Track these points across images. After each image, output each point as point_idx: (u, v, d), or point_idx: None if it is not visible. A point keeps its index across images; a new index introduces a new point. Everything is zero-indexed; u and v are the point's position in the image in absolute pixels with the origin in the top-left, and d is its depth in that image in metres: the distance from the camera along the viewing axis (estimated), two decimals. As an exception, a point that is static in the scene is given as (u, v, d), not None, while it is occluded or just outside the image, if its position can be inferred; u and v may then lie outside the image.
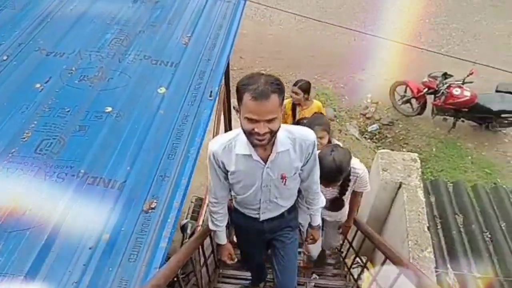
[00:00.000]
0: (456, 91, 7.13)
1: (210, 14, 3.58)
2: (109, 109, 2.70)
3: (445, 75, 7.28)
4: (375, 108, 8.22)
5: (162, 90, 2.86)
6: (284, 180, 2.39)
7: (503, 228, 3.79)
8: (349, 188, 3.29)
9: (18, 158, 2.38)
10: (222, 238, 2.78)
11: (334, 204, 3.42)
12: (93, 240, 2.05)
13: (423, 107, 7.71)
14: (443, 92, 7.22)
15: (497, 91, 7.32)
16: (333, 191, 3.33)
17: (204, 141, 2.63)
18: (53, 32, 3.28)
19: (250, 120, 1.99)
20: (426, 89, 7.42)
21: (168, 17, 3.52)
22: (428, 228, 3.25)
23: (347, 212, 3.59)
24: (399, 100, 7.94)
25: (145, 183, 2.31)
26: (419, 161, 3.57)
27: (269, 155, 2.27)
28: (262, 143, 2.07)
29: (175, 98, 2.82)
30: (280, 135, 2.21)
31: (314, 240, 3.03)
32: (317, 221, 2.90)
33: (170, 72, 3.00)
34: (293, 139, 2.29)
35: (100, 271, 1.93)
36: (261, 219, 2.67)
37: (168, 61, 3.09)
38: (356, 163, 3.20)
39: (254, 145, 2.17)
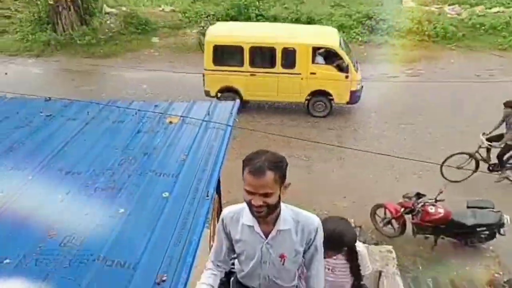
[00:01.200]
0: (430, 209, 7.66)
1: (203, 138, 4.26)
2: (122, 210, 3.18)
3: (418, 195, 7.88)
4: (359, 232, 8.62)
5: (166, 194, 3.38)
6: (283, 260, 2.46)
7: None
8: (361, 268, 3.27)
9: (46, 251, 2.79)
10: None
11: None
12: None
13: (403, 227, 8.14)
14: (419, 211, 7.74)
15: (468, 207, 7.88)
16: (346, 274, 3.28)
17: (204, 233, 3.06)
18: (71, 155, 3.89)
19: (248, 192, 2.16)
20: (403, 209, 7.95)
21: (168, 142, 4.19)
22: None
23: None
24: (380, 222, 8.40)
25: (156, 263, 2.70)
26: (394, 251, 3.96)
27: (271, 231, 2.39)
28: (260, 214, 2.22)
29: (178, 199, 3.32)
30: (285, 214, 2.37)
31: None
32: None
33: (172, 181, 3.55)
34: (297, 220, 2.40)
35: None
36: None
37: (170, 173, 3.66)
38: (358, 243, 3.26)
39: (254, 216, 2.31)
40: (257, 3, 16.02)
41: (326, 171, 10.14)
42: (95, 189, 3.42)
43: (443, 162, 9.16)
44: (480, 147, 9.15)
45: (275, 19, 15.83)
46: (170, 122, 4.53)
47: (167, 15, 17.39)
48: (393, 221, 8.26)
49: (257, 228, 2.39)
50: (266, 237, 2.40)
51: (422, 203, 7.80)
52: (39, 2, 14.99)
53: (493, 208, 7.74)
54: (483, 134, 9.17)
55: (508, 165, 9.32)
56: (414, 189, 8.18)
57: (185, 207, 3.22)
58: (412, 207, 7.87)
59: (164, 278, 2.57)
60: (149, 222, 3.04)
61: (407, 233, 8.26)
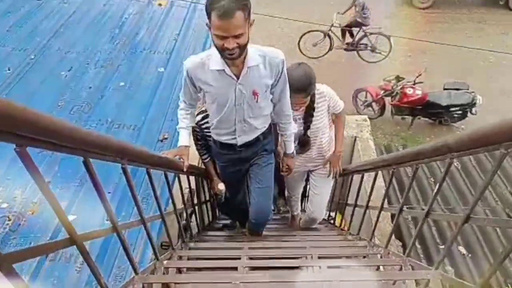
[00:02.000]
0: (409, 91, 8.09)
1: (192, 19, 4.46)
2: (122, 83, 3.50)
3: (398, 78, 8.27)
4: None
5: (161, 69, 3.68)
6: (256, 97, 2.53)
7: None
8: (323, 111, 3.19)
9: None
10: (183, 138, 2.74)
11: (301, 144, 3.31)
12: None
13: (383, 108, 8.64)
14: (397, 93, 8.17)
15: (445, 89, 8.33)
16: (299, 125, 3.19)
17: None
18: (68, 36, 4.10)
19: (219, 36, 2.13)
20: (383, 92, 8.38)
21: (158, 23, 4.39)
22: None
23: (318, 160, 3.46)
24: (361, 105, 8.87)
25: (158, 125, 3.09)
26: (368, 120, 4.41)
27: (241, 71, 2.41)
28: (233, 56, 2.22)
29: (172, 73, 3.64)
30: (251, 52, 2.38)
31: (290, 170, 3.15)
32: (291, 148, 3.03)
33: (166, 58, 3.83)
34: (263, 56, 2.43)
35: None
36: (238, 144, 2.79)
37: (163, 51, 3.93)
38: (317, 84, 3.10)
39: (226, 60, 2.31)
40: None
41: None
42: (95, 65, 3.70)
43: (300, 39, 9.75)
44: (332, 25, 9.66)
45: None
46: (159, 5, 4.68)
47: None
48: (373, 103, 8.72)
49: (228, 71, 2.39)
50: (237, 78, 2.43)
51: (401, 86, 8.21)
52: None
53: (467, 89, 8.20)
54: (338, 13, 9.64)
55: (361, 45, 9.95)
56: (395, 72, 8.56)
57: (179, 79, 3.54)
58: (392, 90, 8.29)
59: (166, 136, 2.97)
60: (149, 92, 3.37)
61: (386, 114, 8.79)
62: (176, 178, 2.70)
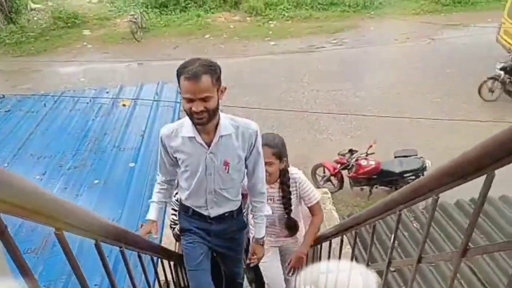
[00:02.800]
0: (363, 162, 8.59)
1: (155, 115, 4.81)
2: (97, 181, 3.70)
3: (351, 151, 8.80)
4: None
5: (132, 164, 3.92)
6: (227, 167, 2.48)
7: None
8: (293, 198, 3.11)
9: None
10: (151, 213, 2.74)
11: (287, 226, 3.21)
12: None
13: (341, 182, 9.05)
14: (353, 165, 8.67)
15: (395, 157, 8.90)
16: (279, 207, 3.13)
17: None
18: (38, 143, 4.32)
19: (187, 99, 2.20)
20: (340, 165, 8.85)
21: (124, 122, 4.70)
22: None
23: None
24: (321, 181, 9.26)
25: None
26: (329, 192, 4.72)
27: (213, 140, 2.40)
28: (202, 121, 2.25)
29: (143, 167, 3.88)
30: (224, 121, 2.39)
31: (257, 258, 2.96)
32: (261, 233, 2.85)
33: (135, 153, 4.10)
34: (236, 126, 2.43)
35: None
36: (211, 215, 2.67)
37: (132, 147, 4.20)
38: (292, 168, 3.11)
39: (196, 125, 2.33)
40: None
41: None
42: (69, 167, 3.91)
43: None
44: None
45: (203, 2, 16.26)
46: (124, 105, 5.02)
47: (95, 7, 17.30)
48: (332, 177, 9.14)
49: (199, 139, 2.39)
50: (209, 146, 2.41)
51: (355, 158, 8.71)
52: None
53: (416, 155, 8.79)
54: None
55: None
56: (347, 147, 9.10)
57: (150, 172, 3.79)
58: (347, 163, 8.77)
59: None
60: (124, 186, 3.59)
61: (345, 187, 9.20)
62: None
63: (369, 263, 2.39)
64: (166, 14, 16.21)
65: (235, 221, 2.79)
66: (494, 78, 10.52)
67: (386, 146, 9.08)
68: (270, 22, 16.01)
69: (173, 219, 3.23)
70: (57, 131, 4.54)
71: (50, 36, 15.27)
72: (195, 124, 2.32)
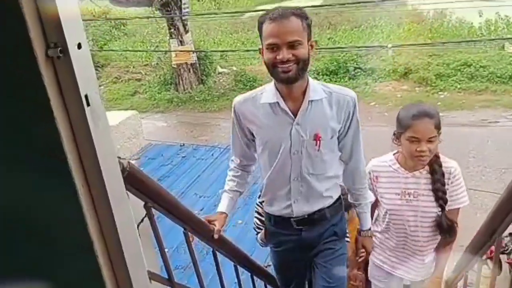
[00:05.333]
0: (524, 248, 7.88)
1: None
2: (240, 221, 4.34)
3: (511, 235, 8.13)
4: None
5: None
6: (318, 143, 2.01)
7: None
8: (447, 191, 2.43)
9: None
10: (221, 204, 2.36)
11: (441, 228, 2.47)
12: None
13: (499, 267, 8.36)
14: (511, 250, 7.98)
15: None
16: (429, 207, 2.43)
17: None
18: (202, 185, 5.20)
19: (270, 46, 1.83)
20: (497, 248, 8.21)
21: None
22: None
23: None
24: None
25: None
26: (485, 277, 4.51)
27: (300, 107, 1.97)
28: (288, 75, 1.85)
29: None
30: (314, 84, 2.00)
31: (367, 253, 2.57)
32: (367, 224, 2.41)
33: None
34: (329, 92, 2.00)
35: None
36: (294, 214, 2.19)
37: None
38: (445, 158, 2.46)
39: (280, 80, 1.93)
40: (355, 57, 17.09)
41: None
42: (221, 207, 4.66)
43: None
44: None
45: (372, 71, 16.78)
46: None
47: (272, 72, 19.10)
48: (488, 260, 8.50)
49: (283, 105, 1.98)
50: (295, 116, 1.99)
51: (514, 242, 8.03)
52: (164, 67, 17.43)
53: None
54: None
55: None
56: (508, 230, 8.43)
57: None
58: (505, 247, 8.11)
59: (270, 264, 3.63)
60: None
61: (504, 272, 8.45)
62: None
63: None
64: (335, 81, 17.13)
65: (331, 224, 2.26)
66: None
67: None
68: (440, 93, 15.74)
69: (256, 222, 2.86)
70: (218, 176, 5.42)
71: (230, 96, 17.31)
72: (279, 79, 1.92)
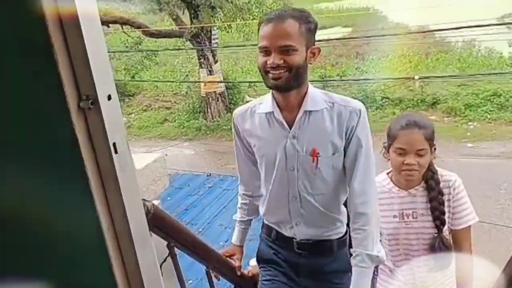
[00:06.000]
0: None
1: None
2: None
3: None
4: None
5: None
6: (316, 160, 1.75)
7: None
8: (446, 209, 2.12)
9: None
10: (234, 235, 2.24)
11: (437, 251, 2.12)
12: None
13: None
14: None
15: None
16: (423, 223, 2.15)
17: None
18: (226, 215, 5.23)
19: (264, 51, 1.67)
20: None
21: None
22: None
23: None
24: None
25: None
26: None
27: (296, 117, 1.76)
28: (278, 82, 1.66)
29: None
30: (314, 93, 1.78)
31: None
32: (362, 285, 1.76)
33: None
34: (331, 103, 1.76)
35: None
36: (297, 238, 1.92)
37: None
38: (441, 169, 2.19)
39: (271, 87, 1.74)
40: (383, 86, 17.06)
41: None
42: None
43: None
44: None
45: (400, 101, 16.67)
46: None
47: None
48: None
49: (278, 114, 1.78)
50: (290, 127, 1.78)
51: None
52: (193, 96, 17.76)
53: None
54: None
55: None
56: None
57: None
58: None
59: None
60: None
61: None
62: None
63: None
64: (363, 111, 17.04)
65: (336, 257, 1.97)
66: None
67: None
68: (469, 123, 15.49)
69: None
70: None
71: (257, 125, 17.46)
72: (270, 85, 1.73)
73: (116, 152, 0.95)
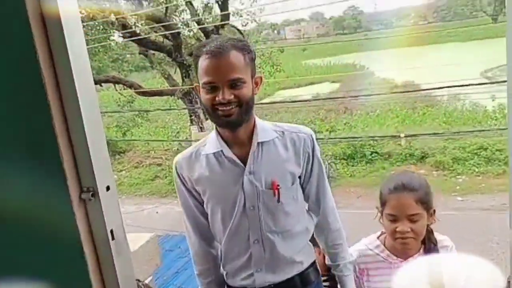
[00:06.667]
0: None
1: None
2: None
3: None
4: None
5: None
6: (277, 193, 1.66)
7: None
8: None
9: None
10: None
11: None
12: None
13: None
14: None
15: None
16: None
17: None
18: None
19: (208, 85, 1.56)
20: None
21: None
22: None
23: None
24: None
25: None
26: None
27: (249, 152, 1.66)
28: (230, 119, 1.57)
29: None
30: (263, 123, 1.73)
31: None
32: None
33: None
34: (281, 132, 1.72)
35: None
36: (257, 286, 1.75)
37: None
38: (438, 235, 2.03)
39: (221, 125, 1.66)
40: (371, 141, 17.32)
41: None
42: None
43: None
44: None
45: (389, 155, 16.89)
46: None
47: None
48: None
49: (228, 152, 1.66)
50: (244, 164, 1.66)
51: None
52: (184, 152, 17.86)
53: None
54: None
55: None
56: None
57: None
58: None
59: None
60: None
61: None
62: None
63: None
64: (352, 165, 17.22)
65: None
66: None
67: None
68: (458, 177, 15.66)
69: None
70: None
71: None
72: (220, 123, 1.65)
73: (113, 238, 1.02)
